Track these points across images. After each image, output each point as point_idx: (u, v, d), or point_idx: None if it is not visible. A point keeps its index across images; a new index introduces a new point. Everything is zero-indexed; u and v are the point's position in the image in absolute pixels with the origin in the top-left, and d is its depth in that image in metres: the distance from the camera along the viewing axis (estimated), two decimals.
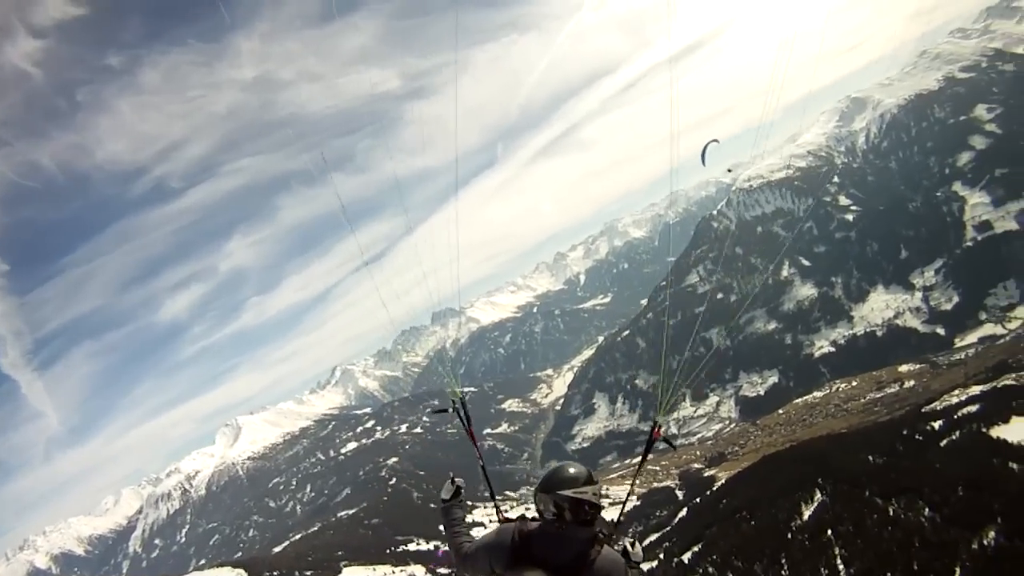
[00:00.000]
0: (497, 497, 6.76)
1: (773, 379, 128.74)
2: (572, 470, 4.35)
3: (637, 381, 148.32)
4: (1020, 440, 40.93)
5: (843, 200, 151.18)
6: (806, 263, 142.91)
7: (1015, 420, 44.36)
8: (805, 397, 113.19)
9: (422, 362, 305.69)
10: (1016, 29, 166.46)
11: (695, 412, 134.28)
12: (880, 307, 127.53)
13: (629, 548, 4.74)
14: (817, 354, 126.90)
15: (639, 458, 6.59)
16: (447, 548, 5.17)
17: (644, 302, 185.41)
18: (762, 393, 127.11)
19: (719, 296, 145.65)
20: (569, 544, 4.17)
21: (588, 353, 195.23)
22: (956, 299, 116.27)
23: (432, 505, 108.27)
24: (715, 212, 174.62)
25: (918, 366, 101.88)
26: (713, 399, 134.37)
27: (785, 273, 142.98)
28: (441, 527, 5.29)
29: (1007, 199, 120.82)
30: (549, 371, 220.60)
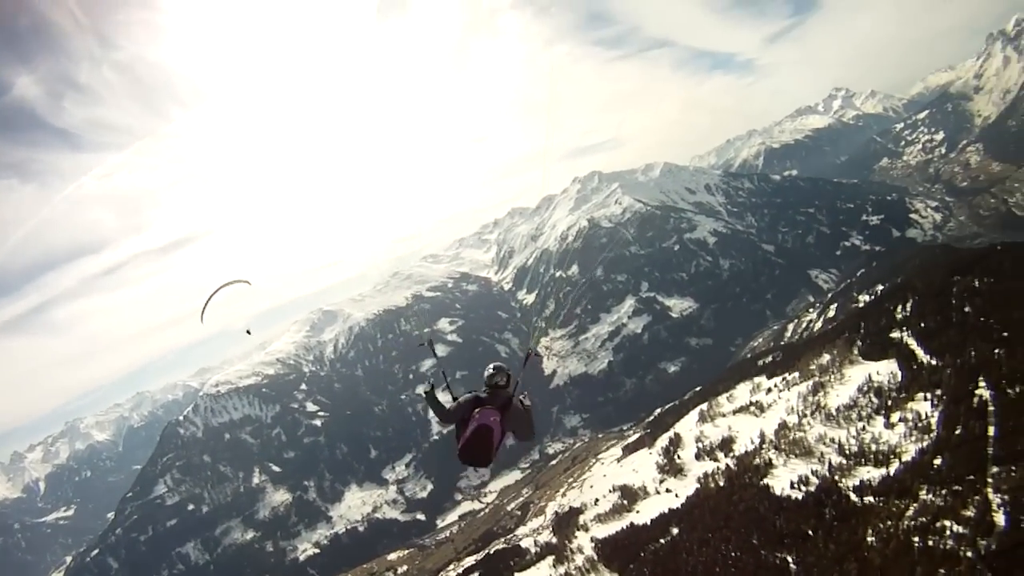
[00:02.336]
0: None
1: None
2: (489, 366, 10.57)
3: None
4: None
5: (311, 406, 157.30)
6: (277, 469, 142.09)
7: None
8: None
9: None
10: (483, 257, 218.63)
11: None
12: (357, 504, 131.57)
13: (523, 400, 10.38)
14: (302, 557, 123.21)
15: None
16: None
17: (111, 516, 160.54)
18: None
19: (190, 508, 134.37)
20: (499, 398, 10.04)
21: None
22: (430, 486, 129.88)
23: None
24: (182, 418, 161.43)
25: (407, 551, 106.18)
26: None
27: (257, 480, 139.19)
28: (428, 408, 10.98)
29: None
30: None
